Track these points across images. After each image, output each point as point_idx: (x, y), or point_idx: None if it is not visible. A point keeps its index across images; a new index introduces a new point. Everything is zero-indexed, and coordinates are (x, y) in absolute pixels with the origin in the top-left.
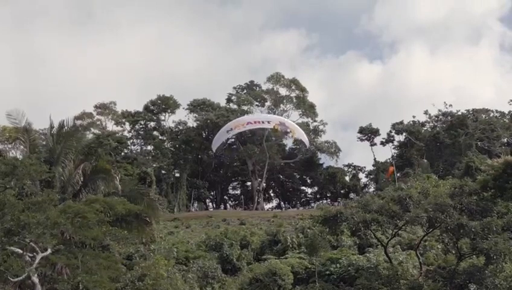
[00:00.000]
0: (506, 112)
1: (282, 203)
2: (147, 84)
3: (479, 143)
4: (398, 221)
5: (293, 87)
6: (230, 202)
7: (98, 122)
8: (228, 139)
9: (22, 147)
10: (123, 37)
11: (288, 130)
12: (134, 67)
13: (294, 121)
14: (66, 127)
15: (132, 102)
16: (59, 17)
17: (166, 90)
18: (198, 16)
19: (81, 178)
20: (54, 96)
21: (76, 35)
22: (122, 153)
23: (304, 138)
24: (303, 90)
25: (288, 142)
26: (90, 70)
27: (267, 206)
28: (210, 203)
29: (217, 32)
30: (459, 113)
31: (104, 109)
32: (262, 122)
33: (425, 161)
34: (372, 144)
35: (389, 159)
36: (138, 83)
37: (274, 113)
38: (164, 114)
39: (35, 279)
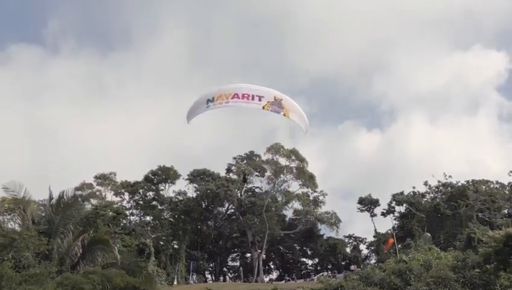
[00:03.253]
0: (506, 183)
1: (282, 275)
2: (151, 155)
3: (479, 214)
4: None
5: (292, 158)
6: (229, 274)
7: (98, 193)
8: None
9: (20, 218)
10: (131, 110)
11: (281, 112)
12: (140, 138)
13: (294, 192)
14: (64, 198)
15: (135, 172)
16: (70, 90)
17: (168, 160)
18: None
19: (80, 249)
20: (60, 167)
21: (86, 107)
22: (121, 224)
23: (302, 122)
24: (302, 160)
25: (288, 213)
26: (97, 141)
27: (267, 278)
28: (209, 275)
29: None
30: (459, 184)
31: (104, 179)
32: (252, 98)
33: (428, 234)
34: (373, 215)
35: (390, 230)
36: (143, 154)
37: (274, 184)
38: (164, 184)
39: None
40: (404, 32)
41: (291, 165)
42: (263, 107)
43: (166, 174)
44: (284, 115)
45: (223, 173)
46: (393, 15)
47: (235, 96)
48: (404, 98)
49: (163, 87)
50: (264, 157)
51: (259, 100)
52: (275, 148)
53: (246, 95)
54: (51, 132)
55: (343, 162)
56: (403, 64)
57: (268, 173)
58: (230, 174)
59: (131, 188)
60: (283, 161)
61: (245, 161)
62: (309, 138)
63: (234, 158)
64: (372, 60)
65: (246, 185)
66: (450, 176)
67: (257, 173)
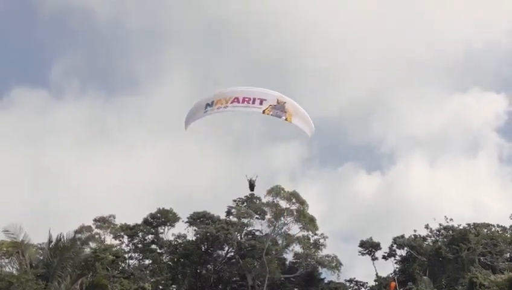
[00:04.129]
0: (508, 227)
1: None
2: (151, 197)
3: (481, 258)
4: None
5: (293, 200)
6: None
7: (97, 236)
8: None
9: (18, 262)
10: (132, 153)
11: (283, 116)
12: (140, 181)
13: (294, 235)
14: (63, 241)
15: (135, 215)
16: (73, 133)
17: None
18: (212, 132)
19: None
20: (61, 211)
21: (88, 151)
22: (120, 268)
23: (306, 126)
24: (303, 203)
25: (289, 257)
26: (98, 184)
27: None
28: None
29: (221, 144)
30: (461, 227)
31: (103, 222)
32: (253, 101)
33: (426, 278)
34: (374, 258)
35: (391, 273)
36: (143, 196)
37: (274, 227)
38: (163, 227)
39: None
40: (403, 76)
41: (291, 208)
42: (263, 111)
43: (165, 217)
44: (286, 119)
45: (223, 216)
46: (393, 61)
47: (235, 100)
48: (403, 141)
49: (164, 130)
50: (264, 200)
51: (261, 103)
52: (275, 191)
53: (246, 99)
54: (53, 175)
55: (344, 205)
56: (402, 107)
57: (268, 216)
58: (230, 217)
59: (131, 231)
60: (283, 204)
61: (245, 204)
62: (309, 180)
63: (234, 201)
64: (371, 103)
65: (254, 193)
66: (451, 219)
67: (257, 216)
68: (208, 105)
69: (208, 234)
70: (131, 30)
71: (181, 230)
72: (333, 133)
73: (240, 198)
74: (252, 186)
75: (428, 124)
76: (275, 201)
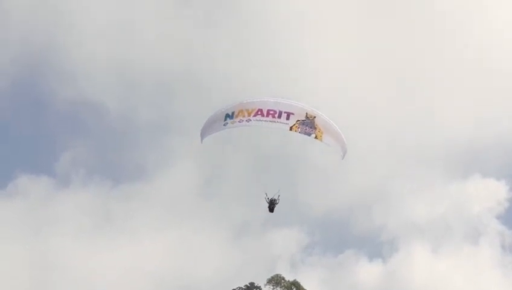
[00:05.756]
0: None
1: None
2: (155, 286)
3: None
4: None
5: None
6: None
7: None
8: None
9: None
10: (137, 241)
11: (312, 133)
12: (144, 269)
13: None
14: None
15: None
16: (78, 222)
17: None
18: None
19: None
20: None
21: (93, 239)
22: None
23: (338, 144)
24: None
25: None
26: (102, 273)
27: None
28: None
29: (224, 231)
30: None
31: None
32: (279, 115)
33: None
34: None
35: None
36: (147, 285)
37: None
38: None
39: None
40: (405, 165)
41: None
42: (291, 128)
43: None
44: (316, 137)
45: None
46: (394, 150)
47: (259, 112)
48: (405, 228)
49: (170, 219)
50: (264, 289)
51: (287, 118)
52: (276, 280)
53: (271, 112)
54: (55, 266)
55: None
56: (403, 194)
57: None
58: None
59: None
60: None
61: None
62: (310, 267)
63: None
64: (373, 192)
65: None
66: None
67: None
68: (227, 116)
69: None
70: (139, 123)
71: None
72: (336, 221)
73: (239, 287)
74: (272, 206)
75: (430, 210)
76: None
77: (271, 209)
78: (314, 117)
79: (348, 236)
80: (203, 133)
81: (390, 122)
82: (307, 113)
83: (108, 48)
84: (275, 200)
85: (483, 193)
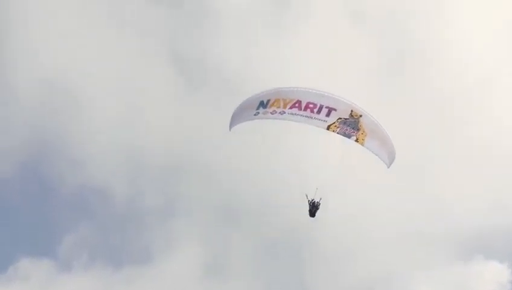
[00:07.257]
0: None
1: None
2: None
3: None
4: None
5: None
6: None
7: None
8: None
9: None
10: None
11: (354, 136)
12: None
13: None
14: None
15: None
16: None
17: None
18: None
19: None
20: None
21: None
22: None
23: (383, 150)
24: None
25: None
26: None
27: None
28: None
29: None
30: None
31: None
32: (319, 110)
33: None
34: None
35: None
36: None
37: None
38: None
39: None
40: (407, 248)
41: None
42: (328, 127)
43: None
44: (357, 140)
45: None
46: (399, 237)
47: (297, 104)
48: None
49: None
50: None
51: (327, 115)
52: None
53: (311, 105)
54: None
55: None
56: (405, 276)
57: None
58: None
59: None
60: None
61: None
62: None
63: None
64: (376, 275)
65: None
66: None
67: None
68: (261, 104)
69: None
70: (145, 206)
71: None
72: None
73: None
74: (314, 209)
75: None
76: None
77: (312, 214)
78: (360, 116)
79: None
80: (232, 121)
81: (400, 209)
82: (352, 111)
83: (117, 134)
84: (317, 203)
85: (486, 276)
